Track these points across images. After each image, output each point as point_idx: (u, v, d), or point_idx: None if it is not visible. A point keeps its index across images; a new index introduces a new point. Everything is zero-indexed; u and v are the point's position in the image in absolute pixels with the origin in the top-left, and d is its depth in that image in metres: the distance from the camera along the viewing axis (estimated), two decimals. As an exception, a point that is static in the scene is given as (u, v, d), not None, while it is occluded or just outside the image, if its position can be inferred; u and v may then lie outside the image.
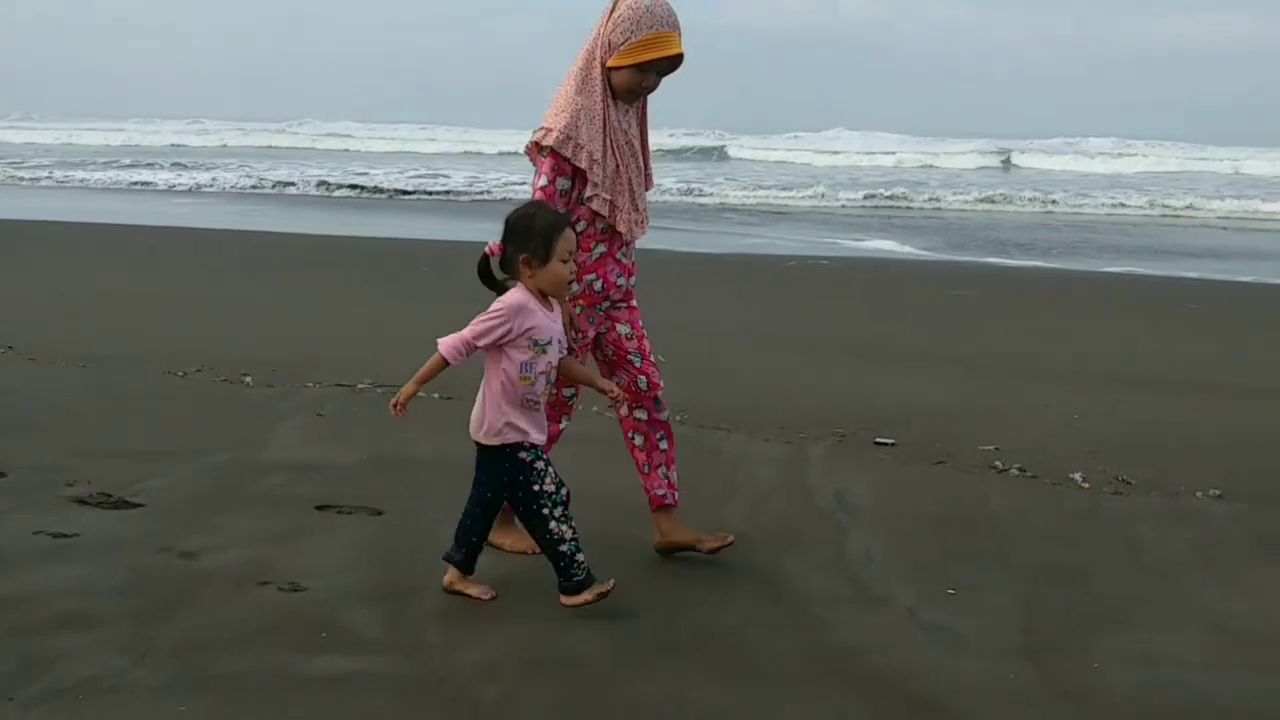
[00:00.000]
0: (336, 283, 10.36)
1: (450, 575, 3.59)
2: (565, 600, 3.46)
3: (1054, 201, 24.79)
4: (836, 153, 38.66)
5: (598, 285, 3.79)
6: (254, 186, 23.95)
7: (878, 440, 5.71)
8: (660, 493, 3.94)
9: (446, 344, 3.42)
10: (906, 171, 33.12)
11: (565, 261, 3.40)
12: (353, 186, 24.28)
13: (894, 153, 38.86)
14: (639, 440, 3.97)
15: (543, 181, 3.65)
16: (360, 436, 5.37)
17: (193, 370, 6.59)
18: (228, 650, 3.15)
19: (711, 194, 24.33)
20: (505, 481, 3.48)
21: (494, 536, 3.78)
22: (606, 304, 3.84)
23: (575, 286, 3.66)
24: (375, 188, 24.34)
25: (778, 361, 7.73)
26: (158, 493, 4.40)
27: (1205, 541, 4.40)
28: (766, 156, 37.20)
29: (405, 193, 24.07)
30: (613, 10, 3.70)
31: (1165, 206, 24.48)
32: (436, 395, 6.30)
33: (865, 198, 24.54)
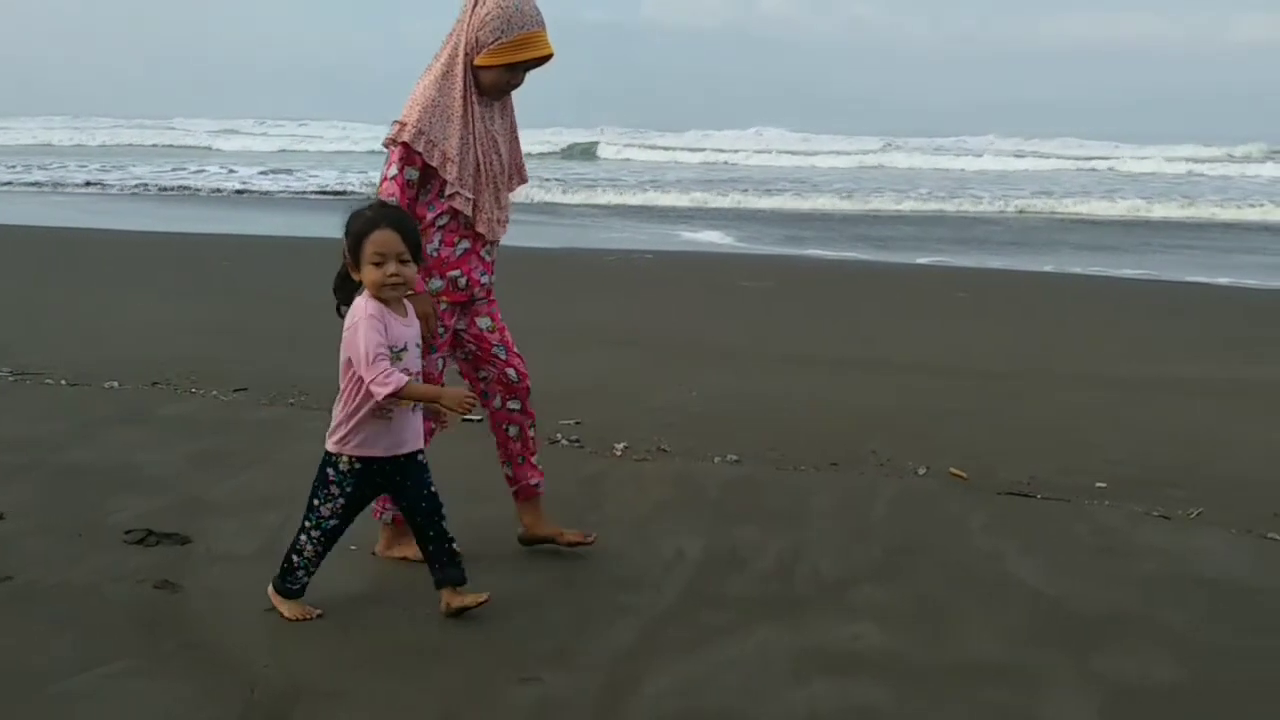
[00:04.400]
0: (89, 278, 10.38)
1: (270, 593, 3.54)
2: (270, 592, 3.48)
3: (917, 197, 25.17)
4: (721, 150, 38.98)
5: (462, 282, 3.75)
6: (89, 184, 23.77)
7: (465, 419, 5.85)
8: (534, 482, 3.99)
9: (381, 385, 3.23)
10: (785, 171, 33.47)
11: (378, 265, 3.26)
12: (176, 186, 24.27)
13: (794, 151, 39.37)
14: (513, 431, 3.97)
15: (392, 171, 3.61)
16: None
17: None
18: None
19: (555, 191, 24.25)
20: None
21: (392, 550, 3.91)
22: (470, 300, 3.82)
23: (438, 283, 3.67)
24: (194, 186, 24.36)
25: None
26: None
27: (664, 500, 4.59)
28: (641, 156, 37.21)
29: (227, 191, 24.04)
30: (476, 5, 3.65)
31: (1027, 204, 24.97)
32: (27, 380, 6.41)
33: (719, 195, 24.53)
